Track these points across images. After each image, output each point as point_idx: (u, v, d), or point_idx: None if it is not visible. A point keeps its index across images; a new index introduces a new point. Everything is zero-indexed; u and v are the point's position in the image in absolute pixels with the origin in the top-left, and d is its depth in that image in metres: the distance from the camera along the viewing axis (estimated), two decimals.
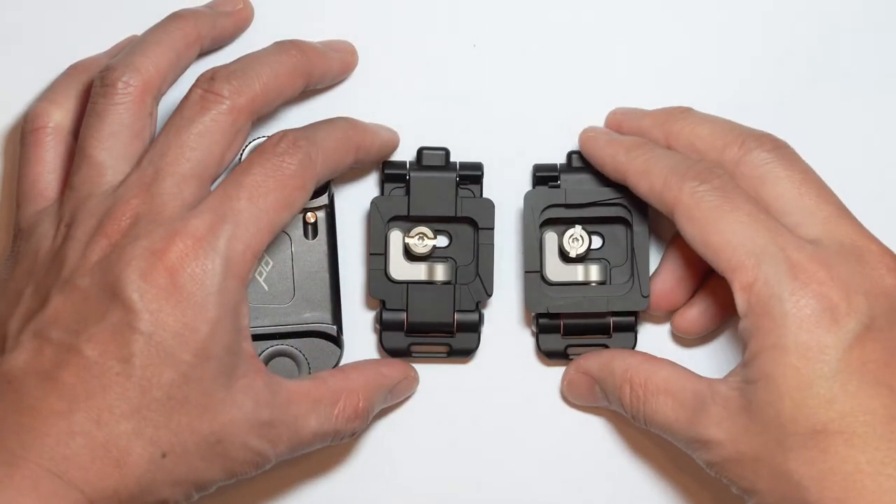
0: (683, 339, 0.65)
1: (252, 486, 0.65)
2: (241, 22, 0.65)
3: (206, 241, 0.56)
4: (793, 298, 0.56)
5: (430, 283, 0.64)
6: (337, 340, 0.64)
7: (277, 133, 0.59)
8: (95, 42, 0.65)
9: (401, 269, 0.64)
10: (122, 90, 0.59)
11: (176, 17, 0.62)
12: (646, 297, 0.63)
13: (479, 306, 0.64)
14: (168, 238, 0.56)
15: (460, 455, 0.66)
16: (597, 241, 0.65)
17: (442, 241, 0.65)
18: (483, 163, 0.65)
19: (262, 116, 0.61)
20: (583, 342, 0.64)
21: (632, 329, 0.64)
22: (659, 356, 0.62)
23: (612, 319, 0.64)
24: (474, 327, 0.64)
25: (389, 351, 0.64)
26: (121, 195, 0.58)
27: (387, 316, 0.64)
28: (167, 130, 0.59)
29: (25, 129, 0.62)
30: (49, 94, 0.62)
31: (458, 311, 0.64)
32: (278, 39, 0.62)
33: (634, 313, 0.64)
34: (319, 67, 0.63)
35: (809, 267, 0.57)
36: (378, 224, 0.64)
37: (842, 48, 0.66)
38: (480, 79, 0.66)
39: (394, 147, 0.64)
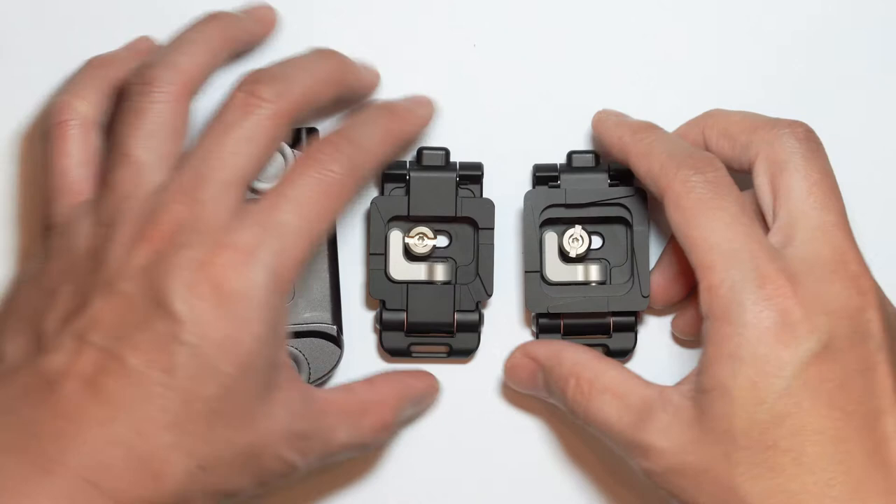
0: (684, 339, 0.65)
1: None
2: (267, 30, 0.65)
3: (252, 255, 0.55)
4: (755, 308, 0.56)
5: (430, 283, 0.64)
6: (337, 340, 0.64)
7: (319, 140, 0.59)
8: (100, 42, 0.64)
9: (401, 269, 0.64)
10: (163, 88, 0.58)
11: (212, 18, 0.62)
12: (646, 297, 0.63)
13: (479, 306, 0.64)
14: (215, 250, 0.55)
15: (459, 455, 0.66)
16: (597, 241, 0.65)
17: (442, 241, 0.65)
18: (483, 163, 0.65)
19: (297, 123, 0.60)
20: (582, 342, 0.64)
21: (632, 329, 0.64)
22: (613, 359, 0.62)
23: (611, 319, 0.64)
24: (474, 327, 0.64)
25: (389, 351, 0.64)
26: (163, 200, 0.57)
27: (387, 316, 0.64)
28: (209, 133, 0.58)
29: (50, 123, 0.60)
30: (70, 87, 0.61)
31: (458, 311, 0.64)
32: (275, 37, 0.63)
33: (634, 313, 0.64)
34: (353, 81, 0.62)
35: (777, 279, 0.56)
36: (378, 224, 0.64)
37: (841, 49, 0.66)
38: (480, 79, 0.66)
39: (425, 127, 0.64)
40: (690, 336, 0.65)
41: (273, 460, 0.57)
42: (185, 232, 0.56)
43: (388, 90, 0.65)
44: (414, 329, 0.64)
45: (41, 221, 0.60)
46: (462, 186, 0.64)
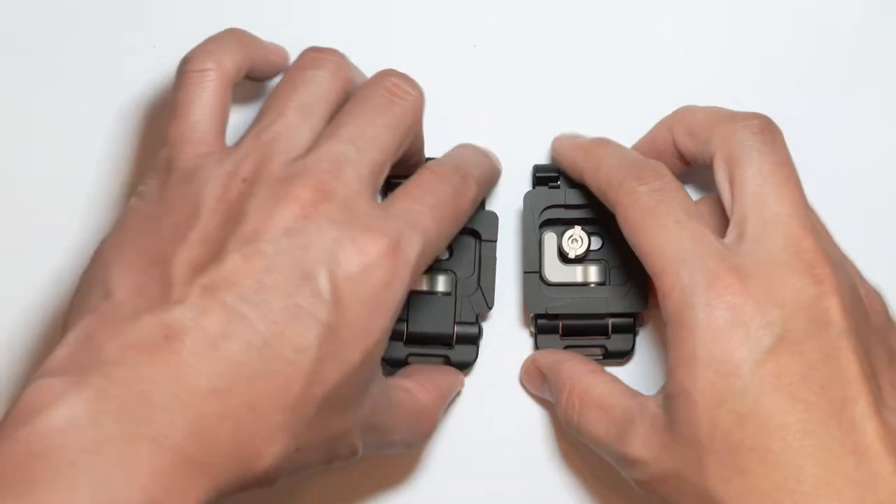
0: None
1: None
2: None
3: (401, 250, 0.54)
4: (706, 309, 0.55)
5: (430, 293, 0.64)
6: None
7: (447, 162, 0.60)
8: (161, 47, 0.65)
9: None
10: (334, 71, 0.58)
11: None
12: (645, 298, 0.63)
13: (479, 319, 0.64)
14: (368, 234, 0.54)
15: (457, 454, 0.66)
16: (597, 242, 0.65)
17: (444, 252, 0.65)
18: None
19: None
20: (581, 343, 0.64)
21: (630, 330, 0.64)
22: (607, 372, 0.62)
23: (610, 321, 0.64)
24: (473, 340, 0.64)
25: (387, 361, 0.64)
26: (312, 166, 0.55)
27: None
28: (363, 108, 0.57)
29: (187, 70, 0.58)
30: (209, 45, 0.59)
31: (457, 322, 0.64)
32: (273, 37, 0.63)
33: (633, 314, 0.64)
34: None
35: (726, 277, 0.55)
36: None
37: (841, 48, 0.66)
38: (480, 79, 0.66)
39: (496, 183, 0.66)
40: None
41: (346, 446, 0.56)
42: (333, 205, 0.54)
43: None
44: (413, 339, 0.64)
45: (156, 163, 0.57)
46: None
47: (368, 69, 0.65)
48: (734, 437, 0.54)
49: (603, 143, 0.62)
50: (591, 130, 0.65)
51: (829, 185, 0.63)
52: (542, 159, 0.65)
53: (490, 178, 0.64)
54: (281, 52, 0.63)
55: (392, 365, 0.64)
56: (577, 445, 0.65)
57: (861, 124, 0.66)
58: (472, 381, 0.66)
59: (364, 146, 0.56)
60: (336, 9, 0.66)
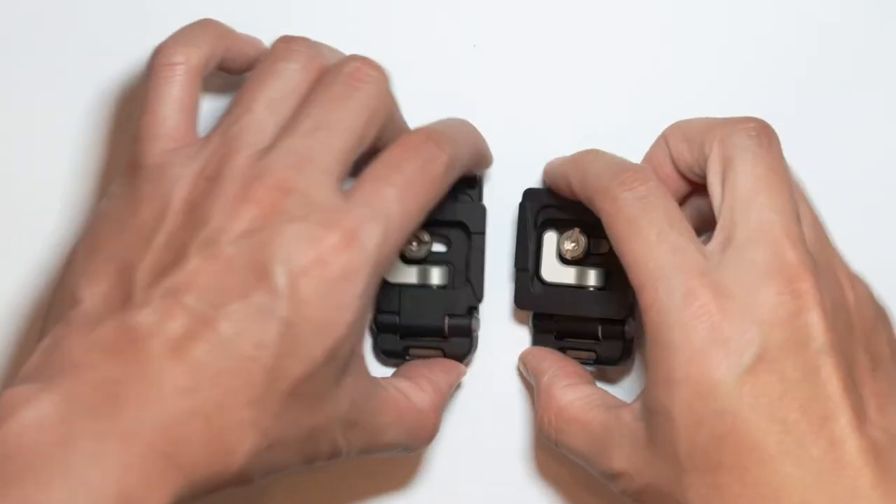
0: None
1: None
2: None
3: (360, 240, 0.54)
4: (683, 330, 0.54)
5: (424, 286, 0.64)
6: None
7: (421, 131, 0.58)
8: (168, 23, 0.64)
9: (396, 271, 0.64)
10: (305, 64, 0.58)
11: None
12: (629, 306, 0.63)
13: (472, 311, 0.64)
14: (325, 228, 0.54)
15: (453, 451, 0.66)
16: (602, 246, 0.64)
17: (441, 246, 0.65)
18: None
19: None
20: (575, 346, 0.64)
21: (619, 338, 0.63)
22: (585, 379, 0.62)
23: (599, 326, 0.63)
24: (466, 332, 0.64)
25: (385, 353, 0.64)
26: (273, 162, 0.55)
27: (381, 318, 0.64)
28: (323, 98, 0.57)
29: (156, 64, 0.58)
30: (179, 37, 0.59)
31: (450, 315, 0.63)
32: (272, 35, 0.63)
33: (621, 321, 0.63)
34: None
35: (703, 295, 0.54)
36: None
37: (841, 48, 0.66)
38: (480, 79, 0.66)
39: (488, 164, 0.64)
40: None
41: (327, 444, 0.56)
42: (294, 201, 0.54)
43: None
44: (406, 332, 0.64)
45: (126, 160, 0.57)
46: (461, 192, 0.64)
47: None
48: (713, 457, 0.54)
49: (589, 151, 0.61)
50: (591, 130, 0.65)
51: (829, 184, 0.63)
52: (543, 159, 0.65)
53: (471, 143, 0.61)
54: (255, 43, 0.62)
55: (389, 356, 0.64)
56: None
57: (861, 124, 0.66)
58: (469, 378, 0.66)
59: (326, 136, 0.56)
60: (336, 8, 0.66)
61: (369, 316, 0.56)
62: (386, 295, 0.64)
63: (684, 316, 0.54)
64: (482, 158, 0.63)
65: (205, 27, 0.60)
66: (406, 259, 0.64)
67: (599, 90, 0.66)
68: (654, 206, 0.57)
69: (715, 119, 0.59)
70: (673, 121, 0.63)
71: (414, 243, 0.64)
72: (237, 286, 0.53)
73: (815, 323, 0.54)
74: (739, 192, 0.56)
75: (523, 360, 0.64)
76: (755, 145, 0.57)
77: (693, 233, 0.57)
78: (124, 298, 0.53)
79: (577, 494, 0.66)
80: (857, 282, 0.58)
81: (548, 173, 0.64)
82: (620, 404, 0.59)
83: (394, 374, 0.63)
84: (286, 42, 0.59)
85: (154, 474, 0.50)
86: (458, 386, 0.65)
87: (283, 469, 0.55)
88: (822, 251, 0.58)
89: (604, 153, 0.61)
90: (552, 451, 0.65)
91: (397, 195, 0.56)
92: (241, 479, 0.53)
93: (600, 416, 0.59)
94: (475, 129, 0.63)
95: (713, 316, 0.54)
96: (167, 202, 0.55)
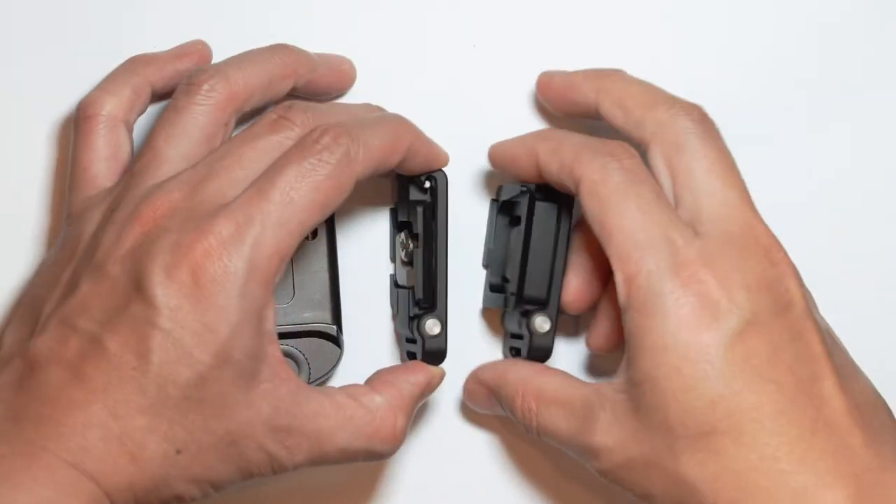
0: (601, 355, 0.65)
1: None
2: (342, 82, 0.64)
3: (231, 243, 0.55)
4: (672, 296, 0.56)
5: (410, 288, 0.63)
6: (337, 340, 0.64)
7: (321, 126, 0.58)
8: (154, 35, 0.64)
9: (400, 273, 0.64)
10: (206, 92, 0.59)
11: (280, 47, 0.62)
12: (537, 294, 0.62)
13: (422, 314, 0.62)
14: (195, 235, 0.55)
15: (446, 449, 0.66)
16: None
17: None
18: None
19: None
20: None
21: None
22: (554, 368, 0.62)
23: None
24: (430, 341, 0.62)
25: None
26: (165, 186, 0.57)
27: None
28: (232, 139, 0.59)
29: (79, 117, 0.61)
30: (104, 83, 0.62)
31: (412, 318, 0.63)
32: (274, 36, 0.63)
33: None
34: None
35: (692, 264, 0.56)
36: (392, 229, 0.65)
37: (840, 48, 0.66)
38: (480, 79, 0.66)
39: (442, 163, 0.63)
40: (608, 351, 0.64)
41: (256, 451, 0.57)
42: (177, 217, 0.56)
43: (388, 90, 0.65)
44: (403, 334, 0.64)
45: (64, 212, 0.61)
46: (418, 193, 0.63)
47: (368, 69, 0.65)
48: (706, 421, 0.55)
49: (553, 129, 0.62)
50: (591, 130, 0.65)
51: (829, 184, 0.63)
52: None
53: (386, 141, 0.59)
54: (187, 58, 0.63)
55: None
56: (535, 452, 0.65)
57: (861, 125, 0.66)
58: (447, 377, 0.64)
59: (230, 164, 0.57)
60: (336, 9, 0.66)
61: (270, 318, 0.57)
62: (393, 296, 0.64)
63: (674, 284, 0.56)
64: (416, 156, 0.61)
65: (127, 71, 0.62)
66: (402, 262, 0.64)
67: None
68: (642, 179, 0.58)
69: (656, 95, 0.60)
70: None
71: (401, 246, 0.64)
72: (120, 302, 0.55)
73: (794, 289, 0.57)
74: (697, 175, 0.58)
75: (477, 380, 0.63)
76: (701, 131, 0.59)
77: (674, 209, 0.58)
78: (30, 333, 0.57)
79: (574, 487, 0.66)
80: None
81: (499, 153, 0.63)
82: (597, 383, 0.59)
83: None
84: (188, 81, 0.60)
85: (65, 484, 0.53)
86: (430, 387, 0.62)
87: (219, 482, 0.56)
88: None
89: (568, 132, 0.61)
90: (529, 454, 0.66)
91: (278, 196, 0.56)
92: (167, 490, 0.55)
93: (579, 393, 0.59)
94: (403, 126, 0.61)
95: (703, 284, 0.56)
96: (77, 242, 0.58)
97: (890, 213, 0.66)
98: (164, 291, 0.55)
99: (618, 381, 0.57)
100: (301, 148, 0.57)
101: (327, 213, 0.57)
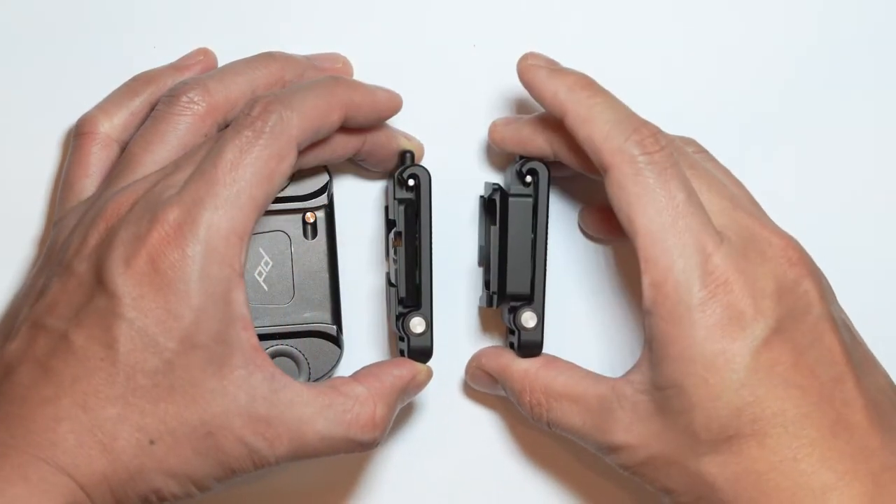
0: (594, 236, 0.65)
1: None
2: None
3: (185, 228, 0.56)
4: (701, 307, 0.56)
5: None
6: (337, 340, 0.64)
7: (250, 99, 0.58)
8: (161, 48, 0.65)
9: (391, 272, 0.64)
10: (186, 104, 0.60)
11: (265, 56, 0.62)
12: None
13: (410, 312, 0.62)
14: (150, 224, 0.56)
15: (444, 445, 0.66)
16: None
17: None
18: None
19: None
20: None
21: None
22: (561, 360, 0.61)
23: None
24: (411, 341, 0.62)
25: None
26: (132, 186, 0.58)
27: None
28: (205, 142, 0.59)
29: (75, 133, 0.62)
30: (103, 104, 0.63)
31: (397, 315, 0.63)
32: (273, 36, 0.63)
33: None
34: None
35: (720, 274, 0.56)
36: (385, 228, 0.65)
37: (839, 48, 0.66)
38: (480, 79, 0.66)
39: (393, 108, 0.62)
40: (600, 234, 0.65)
41: (234, 444, 0.56)
42: (137, 208, 0.57)
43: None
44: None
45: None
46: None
47: (368, 69, 0.65)
48: (731, 427, 0.55)
49: (591, 85, 0.59)
50: None
51: (831, 185, 0.63)
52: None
53: (320, 104, 0.59)
54: (188, 70, 0.63)
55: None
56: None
57: (862, 125, 0.66)
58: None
59: (210, 163, 0.57)
60: (336, 9, 0.66)
61: (238, 300, 0.56)
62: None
63: (703, 295, 0.56)
64: (360, 109, 0.60)
65: (127, 92, 0.63)
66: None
67: None
68: (672, 175, 0.57)
69: (614, 128, 0.58)
70: (673, 121, 0.63)
71: (392, 244, 0.63)
72: (84, 295, 0.56)
73: (813, 290, 0.57)
74: (700, 189, 0.58)
75: (480, 366, 0.64)
76: (703, 159, 0.60)
77: (703, 205, 0.57)
78: (6, 340, 0.57)
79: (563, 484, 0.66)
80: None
81: (529, 79, 0.61)
82: (611, 378, 0.59)
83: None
84: (170, 95, 0.60)
85: (37, 480, 0.54)
86: (416, 383, 0.62)
87: (198, 477, 0.56)
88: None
89: (606, 94, 0.60)
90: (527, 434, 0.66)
91: (221, 175, 0.56)
92: (143, 483, 0.55)
93: (593, 390, 0.59)
94: (337, 84, 0.60)
95: (730, 294, 0.56)
96: (54, 250, 0.59)
97: (890, 213, 0.66)
98: (125, 281, 0.55)
99: (638, 379, 0.58)
100: (235, 123, 0.57)
101: (277, 185, 0.57)
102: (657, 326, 0.56)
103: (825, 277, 0.59)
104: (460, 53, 0.66)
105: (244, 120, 0.57)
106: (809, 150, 0.64)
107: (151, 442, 0.55)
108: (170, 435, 0.55)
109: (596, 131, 0.58)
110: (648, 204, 0.57)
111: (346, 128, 0.61)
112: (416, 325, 0.62)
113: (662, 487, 0.58)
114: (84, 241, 0.57)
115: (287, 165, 0.57)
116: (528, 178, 0.62)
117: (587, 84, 0.60)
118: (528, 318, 0.62)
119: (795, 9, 0.66)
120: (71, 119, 0.64)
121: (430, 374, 0.62)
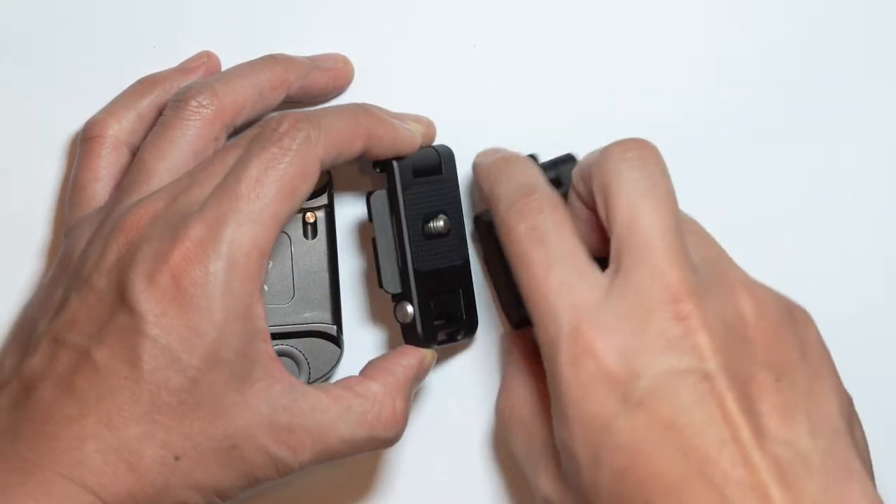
0: None
1: None
2: (337, 80, 0.64)
3: (207, 245, 0.55)
4: (571, 366, 0.54)
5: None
6: (337, 340, 0.64)
7: (279, 114, 0.58)
8: (160, 48, 0.65)
9: None
10: (195, 108, 0.60)
11: (268, 59, 0.62)
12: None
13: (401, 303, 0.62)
14: (173, 241, 0.55)
15: (442, 441, 0.66)
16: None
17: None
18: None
19: None
20: None
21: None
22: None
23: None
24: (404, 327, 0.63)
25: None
26: (149, 198, 0.58)
27: None
28: (218, 150, 0.59)
29: (83, 137, 0.62)
30: (110, 106, 0.63)
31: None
32: (273, 37, 0.63)
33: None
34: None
35: (588, 331, 0.54)
36: None
37: (839, 47, 0.66)
38: (480, 79, 0.66)
39: (411, 145, 0.62)
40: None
41: (258, 454, 0.57)
42: (158, 224, 0.56)
43: (388, 90, 0.66)
44: None
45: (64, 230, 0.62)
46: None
47: (368, 69, 0.65)
48: (617, 491, 0.53)
49: (504, 162, 0.60)
50: (590, 130, 0.65)
51: (831, 184, 0.63)
52: (543, 158, 0.65)
53: (345, 129, 0.59)
54: (193, 73, 0.63)
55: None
56: None
57: (863, 125, 0.66)
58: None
59: (212, 173, 0.57)
60: (336, 9, 0.66)
61: (259, 315, 0.56)
62: None
63: (572, 353, 0.54)
64: (381, 141, 0.61)
65: (133, 95, 0.63)
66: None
67: (599, 90, 0.66)
68: (543, 239, 0.56)
69: (600, 148, 0.58)
70: (673, 120, 0.63)
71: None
72: (105, 312, 0.56)
73: (703, 343, 0.53)
74: (620, 218, 0.56)
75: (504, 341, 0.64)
76: (628, 168, 0.56)
77: (586, 263, 0.56)
78: (24, 354, 0.57)
79: None
80: (756, 289, 0.56)
81: (475, 168, 0.63)
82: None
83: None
84: (177, 100, 0.60)
85: (62, 498, 0.54)
86: (423, 368, 0.62)
87: (223, 489, 0.56)
88: (712, 265, 0.56)
89: (513, 163, 0.60)
90: None
91: (245, 191, 0.56)
92: (169, 498, 0.55)
93: (542, 435, 0.59)
94: (364, 112, 0.61)
95: (599, 352, 0.54)
96: (70, 260, 0.59)
97: (890, 212, 0.66)
98: (147, 298, 0.55)
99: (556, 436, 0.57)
100: (262, 139, 0.57)
101: (298, 202, 0.57)
102: (549, 384, 0.56)
103: (787, 312, 0.56)
104: (460, 53, 0.66)
105: (271, 136, 0.57)
106: (810, 150, 0.64)
107: (177, 458, 0.55)
108: (194, 450, 0.55)
109: (490, 204, 0.59)
110: (523, 269, 0.57)
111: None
112: (405, 315, 0.62)
113: None
114: (103, 254, 0.57)
115: (310, 185, 0.58)
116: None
117: (502, 160, 0.61)
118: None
119: (796, 8, 0.66)
120: (69, 120, 0.64)
121: (434, 358, 0.62)
